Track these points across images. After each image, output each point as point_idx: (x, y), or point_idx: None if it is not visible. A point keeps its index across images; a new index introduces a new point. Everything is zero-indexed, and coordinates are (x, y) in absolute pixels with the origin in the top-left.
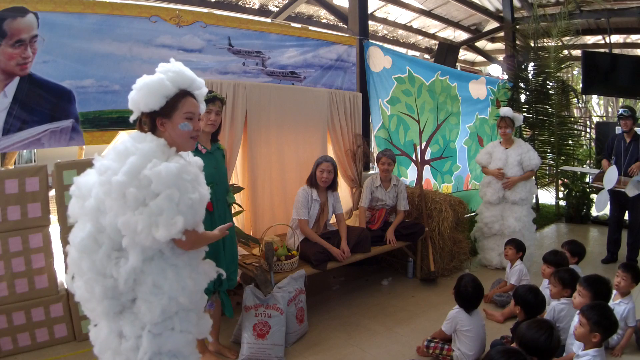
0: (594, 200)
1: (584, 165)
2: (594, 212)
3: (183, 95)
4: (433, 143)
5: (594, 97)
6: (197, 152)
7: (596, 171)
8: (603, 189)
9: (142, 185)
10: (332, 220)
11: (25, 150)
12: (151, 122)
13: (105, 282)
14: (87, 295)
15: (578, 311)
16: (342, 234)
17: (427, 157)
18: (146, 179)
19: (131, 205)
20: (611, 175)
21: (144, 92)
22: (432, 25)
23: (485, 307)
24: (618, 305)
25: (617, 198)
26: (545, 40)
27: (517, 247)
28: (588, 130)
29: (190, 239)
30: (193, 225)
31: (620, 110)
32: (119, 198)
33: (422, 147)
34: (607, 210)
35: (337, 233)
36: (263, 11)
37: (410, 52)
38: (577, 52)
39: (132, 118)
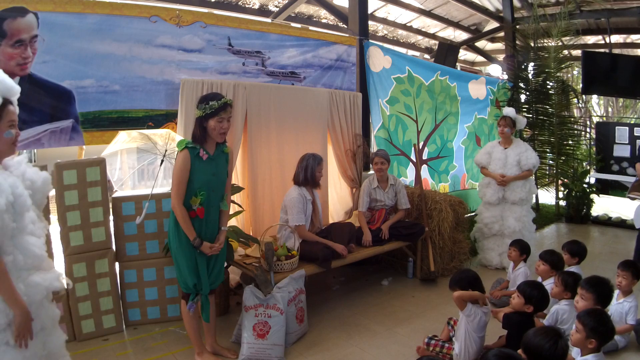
0: (633, 213)
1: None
2: (594, 212)
3: (5, 104)
4: (430, 143)
5: (594, 97)
6: (196, 158)
7: (631, 179)
8: None
9: None
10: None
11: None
12: None
13: None
14: None
15: None
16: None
17: (425, 156)
18: None
19: None
20: None
21: None
22: (432, 25)
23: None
24: (621, 304)
25: None
26: (545, 40)
27: (521, 249)
28: (588, 130)
29: None
30: None
31: None
32: None
33: (420, 147)
34: (607, 211)
35: (328, 230)
36: (263, 11)
37: (410, 52)
38: (577, 52)
39: None
